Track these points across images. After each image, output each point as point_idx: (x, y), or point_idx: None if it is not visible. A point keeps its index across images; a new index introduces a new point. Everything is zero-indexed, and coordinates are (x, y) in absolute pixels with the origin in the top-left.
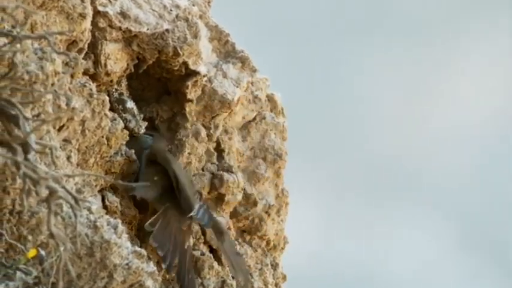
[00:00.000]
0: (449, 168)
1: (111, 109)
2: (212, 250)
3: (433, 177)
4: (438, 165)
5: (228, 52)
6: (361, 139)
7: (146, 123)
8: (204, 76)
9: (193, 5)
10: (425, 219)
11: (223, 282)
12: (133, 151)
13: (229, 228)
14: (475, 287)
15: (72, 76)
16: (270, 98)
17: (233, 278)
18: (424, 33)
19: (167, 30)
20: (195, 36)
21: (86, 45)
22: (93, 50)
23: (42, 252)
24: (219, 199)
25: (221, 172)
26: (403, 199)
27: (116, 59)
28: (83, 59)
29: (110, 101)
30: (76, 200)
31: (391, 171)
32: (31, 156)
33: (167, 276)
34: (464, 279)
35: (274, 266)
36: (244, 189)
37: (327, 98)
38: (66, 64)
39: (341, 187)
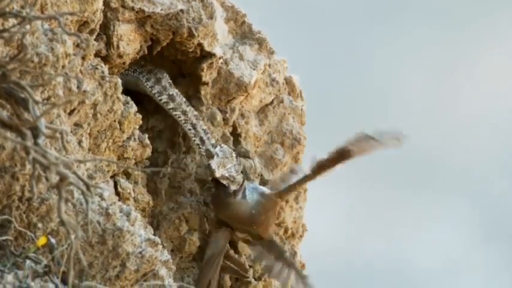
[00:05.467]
0: (478, 157)
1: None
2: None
3: (462, 166)
4: (467, 153)
5: (244, 33)
6: (384, 125)
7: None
8: (219, 58)
9: None
10: (453, 209)
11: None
12: (146, 136)
13: None
14: (505, 279)
15: (83, 58)
16: (288, 81)
17: None
18: (451, 16)
19: (181, 10)
20: (211, 16)
21: (98, 26)
22: (105, 31)
23: (53, 240)
24: None
25: (238, 157)
26: (430, 188)
27: (128, 40)
28: (94, 40)
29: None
30: (87, 186)
31: (417, 159)
32: (41, 141)
33: (182, 265)
34: (494, 271)
35: (293, 254)
36: (261, 175)
37: (347, 81)
38: (77, 46)
39: (364, 175)
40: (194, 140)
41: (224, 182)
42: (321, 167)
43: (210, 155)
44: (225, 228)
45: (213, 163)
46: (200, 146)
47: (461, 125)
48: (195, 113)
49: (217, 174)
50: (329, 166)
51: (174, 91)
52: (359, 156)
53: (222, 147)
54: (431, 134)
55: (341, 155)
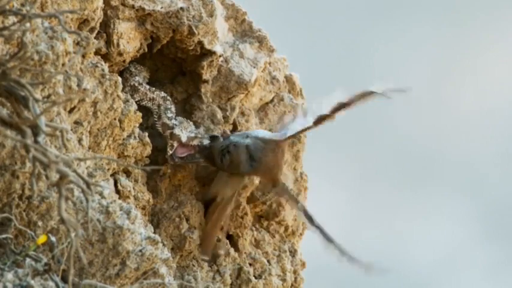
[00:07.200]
0: (478, 153)
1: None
2: (228, 236)
3: (461, 162)
4: (466, 149)
5: (244, 31)
6: (384, 121)
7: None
8: (220, 56)
9: None
10: (454, 206)
11: (240, 269)
12: (146, 134)
13: (246, 214)
14: (502, 276)
15: (83, 56)
16: (288, 79)
17: None
18: (452, 12)
19: (182, 8)
20: (211, 14)
21: (98, 24)
22: (105, 29)
23: (53, 239)
24: None
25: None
26: (429, 184)
27: (128, 38)
28: (94, 38)
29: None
30: (88, 185)
31: (416, 155)
32: (41, 139)
33: (182, 263)
34: (492, 268)
35: (293, 252)
36: None
37: (348, 78)
38: (78, 44)
39: (363, 171)
40: (154, 119)
41: (195, 142)
42: (322, 119)
43: (168, 127)
44: (235, 175)
45: (176, 129)
46: (156, 122)
47: (462, 121)
48: (163, 94)
49: (184, 138)
50: (330, 117)
51: (134, 80)
52: (356, 104)
53: (176, 119)
54: (432, 130)
55: (341, 107)
